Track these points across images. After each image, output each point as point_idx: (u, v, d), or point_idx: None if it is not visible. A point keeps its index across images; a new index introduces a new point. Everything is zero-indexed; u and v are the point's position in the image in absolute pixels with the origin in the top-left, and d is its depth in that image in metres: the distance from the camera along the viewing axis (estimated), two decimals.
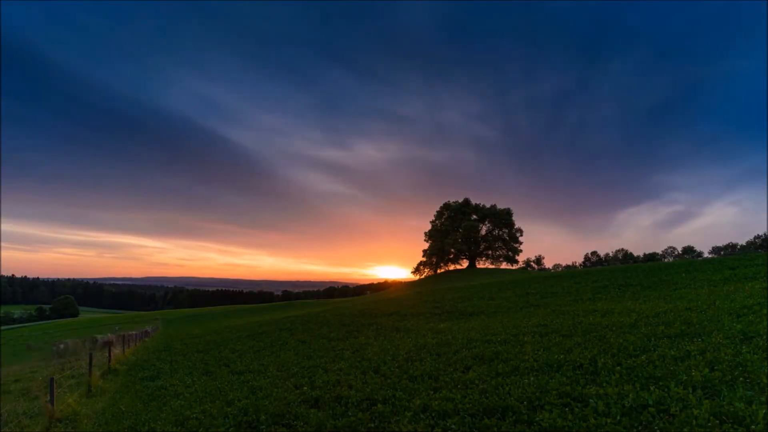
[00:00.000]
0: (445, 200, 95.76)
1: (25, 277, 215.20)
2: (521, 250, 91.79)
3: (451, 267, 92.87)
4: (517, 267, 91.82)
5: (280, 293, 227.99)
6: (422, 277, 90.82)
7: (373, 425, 6.09)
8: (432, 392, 7.20)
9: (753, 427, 4.22)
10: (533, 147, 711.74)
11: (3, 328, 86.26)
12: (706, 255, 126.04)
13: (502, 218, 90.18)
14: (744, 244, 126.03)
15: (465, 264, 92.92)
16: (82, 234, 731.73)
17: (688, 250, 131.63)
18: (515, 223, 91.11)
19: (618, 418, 4.90)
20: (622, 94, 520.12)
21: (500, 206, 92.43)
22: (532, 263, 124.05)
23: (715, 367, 6.08)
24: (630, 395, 5.45)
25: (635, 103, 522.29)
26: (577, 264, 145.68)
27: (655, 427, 4.51)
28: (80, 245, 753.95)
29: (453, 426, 5.53)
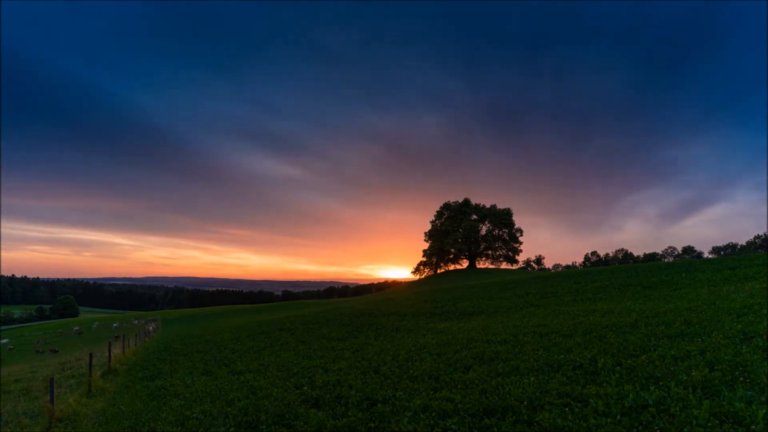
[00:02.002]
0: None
1: (25, 277, 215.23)
2: (521, 250, 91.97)
3: (451, 267, 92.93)
4: (517, 267, 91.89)
5: (280, 293, 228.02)
6: (422, 277, 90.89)
7: (373, 425, 6.09)
8: (432, 392, 7.20)
9: (753, 427, 4.22)
10: (510, 107, 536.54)
11: (3, 328, 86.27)
12: (706, 255, 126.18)
13: (502, 218, 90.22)
14: (744, 244, 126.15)
15: (465, 264, 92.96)
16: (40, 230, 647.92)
17: (688, 249, 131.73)
18: (515, 222, 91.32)
19: (618, 418, 4.90)
20: (619, 28, 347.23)
21: (490, 202, 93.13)
22: (532, 263, 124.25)
23: (715, 367, 6.08)
24: (630, 395, 5.45)
25: (638, 43, 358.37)
26: (577, 264, 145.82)
27: (655, 427, 4.51)
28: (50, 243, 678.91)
29: (453, 426, 5.53)
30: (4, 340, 47.79)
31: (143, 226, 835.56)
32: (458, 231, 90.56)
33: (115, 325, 56.00)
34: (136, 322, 58.71)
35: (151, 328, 40.42)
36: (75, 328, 56.14)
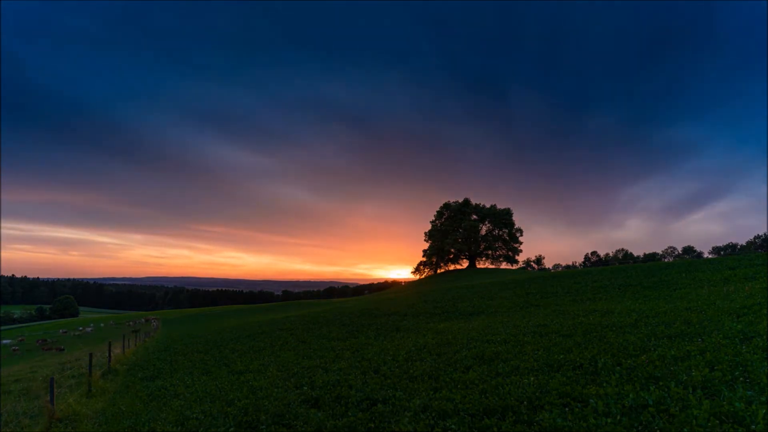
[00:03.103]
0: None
1: (25, 277, 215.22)
2: (521, 250, 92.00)
3: (451, 267, 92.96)
4: (517, 267, 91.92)
5: (280, 293, 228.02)
6: (422, 277, 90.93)
7: (373, 425, 6.09)
8: (432, 392, 7.20)
9: (753, 427, 4.22)
10: (489, 77, 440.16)
11: (3, 328, 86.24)
12: (706, 255, 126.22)
13: (502, 218, 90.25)
14: (744, 244, 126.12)
15: (465, 264, 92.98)
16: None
17: (688, 249, 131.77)
18: (515, 222, 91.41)
19: (618, 418, 4.90)
20: None
21: (489, 201, 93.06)
22: (532, 263, 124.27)
23: (715, 367, 6.08)
24: (630, 395, 5.45)
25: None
26: (577, 264, 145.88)
27: (655, 427, 4.51)
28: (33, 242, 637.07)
29: (453, 426, 5.53)
30: (6, 341, 47.76)
31: (122, 223, 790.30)
32: (458, 231, 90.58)
33: (111, 323, 56.03)
34: (131, 323, 58.32)
35: (153, 325, 40.83)
36: (79, 328, 56.29)
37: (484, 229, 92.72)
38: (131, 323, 58.79)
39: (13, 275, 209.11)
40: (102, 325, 60.68)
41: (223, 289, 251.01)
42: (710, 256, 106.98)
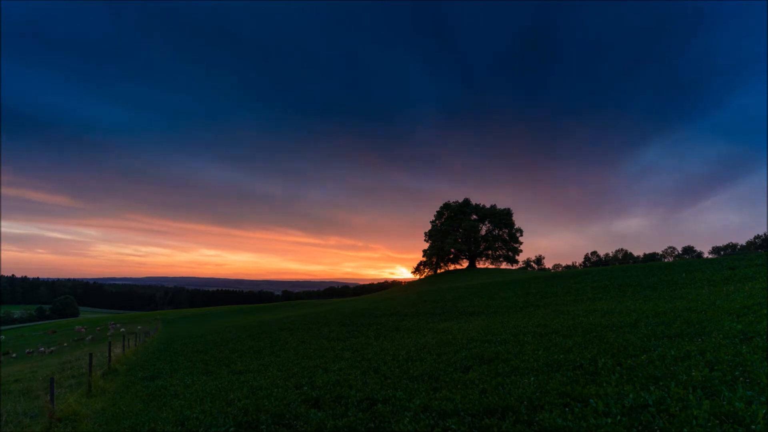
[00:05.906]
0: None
1: (25, 277, 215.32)
2: (521, 250, 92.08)
3: (451, 267, 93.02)
4: (517, 267, 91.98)
5: (280, 293, 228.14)
6: (422, 277, 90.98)
7: (373, 425, 6.08)
8: (432, 392, 7.20)
9: (753, 427, 4.22)
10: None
11: (3, 327, 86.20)
12: (706, 255, 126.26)
13: (502, 218, 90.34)
14: (744, 244, 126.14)
15: (465, 264, 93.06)
16: None
17: (688, 249, 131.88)
18: (515, 222, 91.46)
19: (618, 418, 4.90)
20: None
21: (491, 202, 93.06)
22: (532, 263, 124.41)
23: (715, 367, 6.08)
24: (630, 395, 5.45)
25: None
26: (577, 264, 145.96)
27: (655, 427, 4.51)
28: None
29: (453, 426, 5.53)
30: (1, 337, 48.37)
31: (57, 214, 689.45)
32: (458, 231, 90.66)
33: (96, 329, 55.77)
34: (123, 330, 55.94)
35: (139, 328, 41.03)
36: (76, 328, 56.38)
37: (484, 229, 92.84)
38: (123, 330, 57.93)
39: (13, 275, 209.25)
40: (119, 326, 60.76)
41: (223, 289, 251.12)
42: (710, 256, 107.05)
